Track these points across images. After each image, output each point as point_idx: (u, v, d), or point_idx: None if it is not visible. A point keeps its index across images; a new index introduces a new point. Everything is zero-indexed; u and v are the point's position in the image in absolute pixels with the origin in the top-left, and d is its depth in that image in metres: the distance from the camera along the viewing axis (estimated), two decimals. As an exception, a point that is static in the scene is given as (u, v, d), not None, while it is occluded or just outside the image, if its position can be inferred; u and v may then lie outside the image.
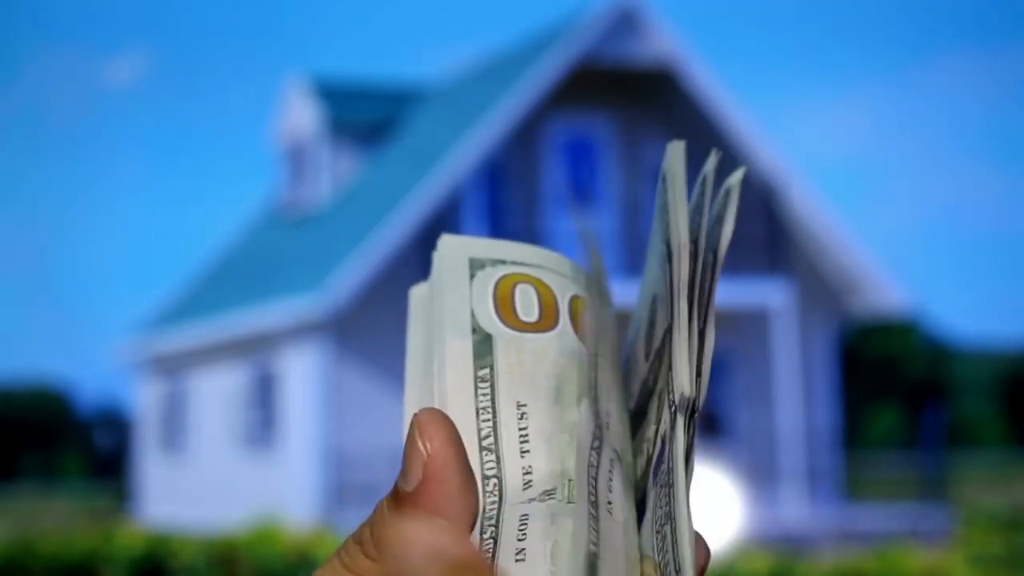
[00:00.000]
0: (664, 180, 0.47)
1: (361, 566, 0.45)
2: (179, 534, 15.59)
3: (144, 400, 25.63)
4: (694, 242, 0.45)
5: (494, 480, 0.47)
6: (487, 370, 0.48)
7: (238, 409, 21.66)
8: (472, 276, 0.51)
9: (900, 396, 63.72)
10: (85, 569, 12.92)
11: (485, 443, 0.47)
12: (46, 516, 28.29)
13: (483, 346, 0.49)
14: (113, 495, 36.39)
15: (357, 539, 0.46)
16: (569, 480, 0.46)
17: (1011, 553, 13.90)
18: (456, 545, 0.43)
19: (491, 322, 0.49)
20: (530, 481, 0.47)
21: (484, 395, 0.48)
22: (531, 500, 0.46)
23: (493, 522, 0.46)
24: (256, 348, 21.08)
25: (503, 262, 0.51)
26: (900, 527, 18.43)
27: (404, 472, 0.45)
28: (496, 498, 0.46)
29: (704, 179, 0.46)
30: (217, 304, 23.10)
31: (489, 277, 0.51)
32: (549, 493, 0.46)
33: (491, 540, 0.45)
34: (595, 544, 0.44)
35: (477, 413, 0.48)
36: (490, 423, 0.47)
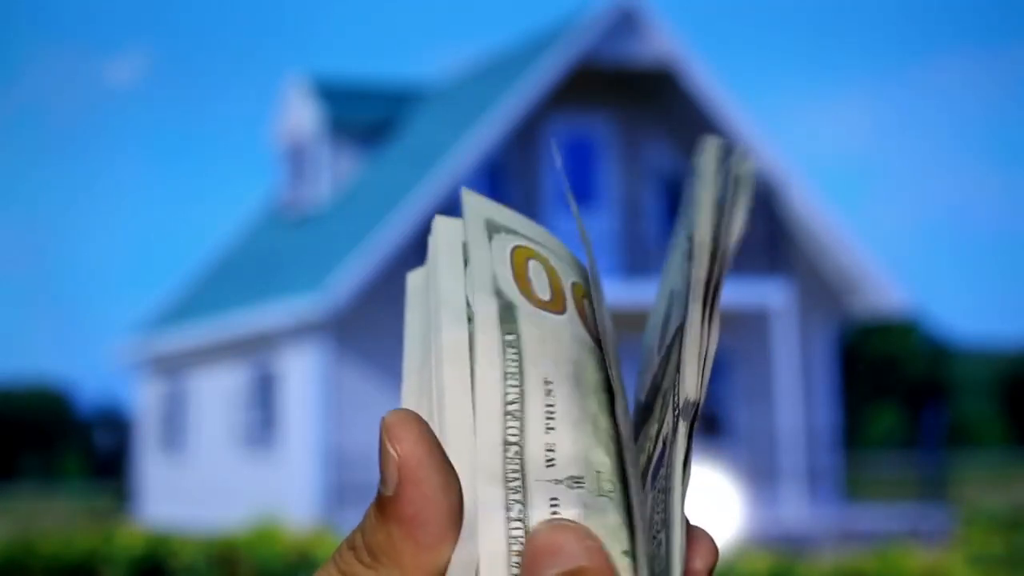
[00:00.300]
0: (694, 175, 0.46)
1: (356, 571, 0.45)
2: (179, 534, 15.59)
3: (144, 400, 25.62)
4: (714, 240, 0.45)
5: (516, 447, 0.45)
6: (513, 336, 0.47)
7: (238, 409, 21.66)
8: (490, 238, 0.49)
9: (900, 396, 63.73)
10: (85, 569, 12.92)
11: (510, 408, 0.45)
12: (46, 516, 28.28)
13: (507, 312, 0.47)
14: (113, 495, 36.38)
15: (350, 545, 0.46)
16: (598, 472, 0.45)
17: (1011, 553, 13.90)
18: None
19: (512, 290, 0.48)
20: (552, 459, 0.45)
21: (512, 360, 0.46)
22: (558, 482, 0.44)
23: (519, 498, 0.44)
24: (256, 348, 21.08)
25: (515, 232, 0.50)
26: (900, 527, 18.43)
27: (382, 477, 0.45)
28: (518, 466, 0.45)
29: (730, 176, 0.46)
30: (217, 304, 23.10)
31: (506, 243, 0.49)
32: (577, 480, 0.45)
33: (519, 522, 0.44)
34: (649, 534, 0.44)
35: (504, 376, 0.46)
36: (517, 389, 0.46)
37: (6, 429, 60.98)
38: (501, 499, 0.44)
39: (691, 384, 0.44)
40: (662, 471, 0.45)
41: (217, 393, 22.47)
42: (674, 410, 0.45)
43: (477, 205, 0.50)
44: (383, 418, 0.45)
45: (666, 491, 0.44)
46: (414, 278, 0.52)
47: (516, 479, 0.44)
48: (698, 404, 0.44)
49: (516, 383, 0.46)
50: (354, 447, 18.81)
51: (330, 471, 18.82)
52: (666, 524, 0.43)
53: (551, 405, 0.46)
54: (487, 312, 0.47)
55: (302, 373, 19.52)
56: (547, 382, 0.46)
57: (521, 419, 0.45)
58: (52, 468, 60.53)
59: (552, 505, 0.44)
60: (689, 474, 0.44)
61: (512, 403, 0.45)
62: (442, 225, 0.51)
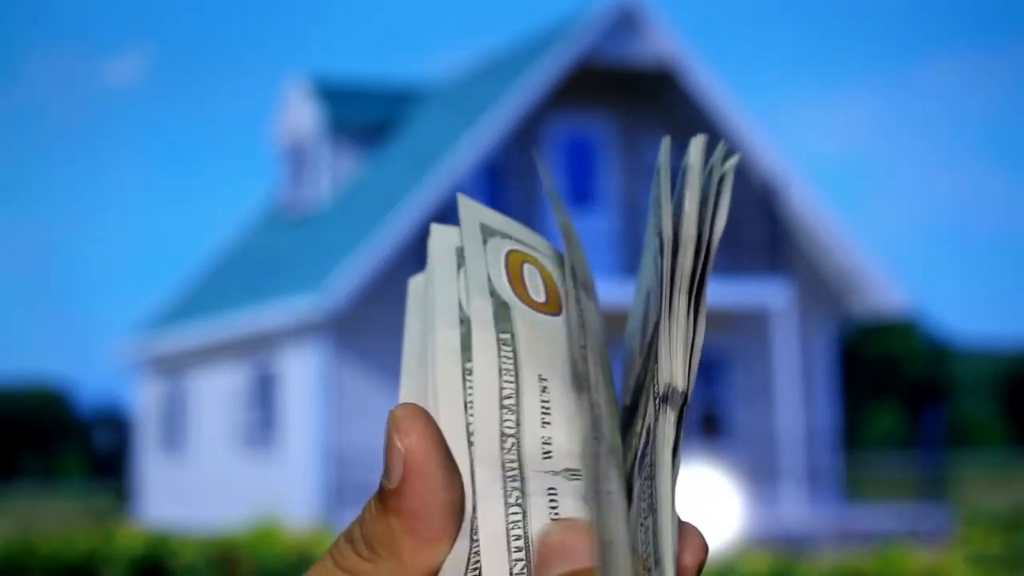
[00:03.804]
0: (658, 173, 0.46)
1: (353, 564, 0.45)
2: (179, 534, 15.59)
3: (144, 400, 25.62)
4: (699, 234, 0.45)
5: (512, 439, 0.45)
6: (508, 335, 0.47)
7: (238, 409, 21.66)
8: (485, 242, 0.50)
9: (900, 396, 63.73)
10: (85, 569, 12.91)
11: (507, 402, 0.46)
12: (46, 516, 28.28)
13: (502, 311, 0.48)
14: (113, 495, 36.38)
15: (348, 538, 0.46)
16: None
17: (1011, 553, 13.90)
18: None
19: (506, 292, 0.49)
20: (549, 452, 0.45)
21: (507, 357, 0.47)
22: (555, 473, 0.45)
23: (518, 485, 0.45)
24: (256, 348, 21.08)
25: (509, 237, 0.51)
26: (900, 527, 18.43)
27: (386, 470, 0.45)
28: (515, 457, 0.45)
29: (712, 171, 0.46)
30: (217, 304, 23.10)
31: (500, 247, 0.50)
32: (575, 473, 0.45)
33: (518, 507, 0.45)
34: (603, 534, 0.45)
35: (500, 372, 0.46)
36: (513, 385, 0.46)
37: (6, 429, 60.97)
38: (500, 485, 0.45)
39: (679, 373, 0.44)
40: (647, 460, 0.45)
41: (217, 393, 22.47)
42: (655, 398, 0.45)
43: (471, 210, 0.51)
44: (392, 412, 0.45)
45: (652, 477, 0.44)
46: (415, 283, 0.52)
47: (513, 468, 0.45)
48: (686, 394, 0.44)
49: (511, 379, 0.47)
50: (354, 447, 18.81)
51: (330, 471, 18.82)
52: (653, 509, 0.43)
53: (546, 401, 0.46)
54: (483, 310, 0.48)
55: (302, 373, 19.52)
56: (542, 379, 0.47)
57: (517, 412, 0.46)
58: (52, 468, 60.54)
59: (550, 494, 0.45)
60: (679, 462, 0.44)
61: (508, 397, 0.46)
62: (438, 232, 0.52)
